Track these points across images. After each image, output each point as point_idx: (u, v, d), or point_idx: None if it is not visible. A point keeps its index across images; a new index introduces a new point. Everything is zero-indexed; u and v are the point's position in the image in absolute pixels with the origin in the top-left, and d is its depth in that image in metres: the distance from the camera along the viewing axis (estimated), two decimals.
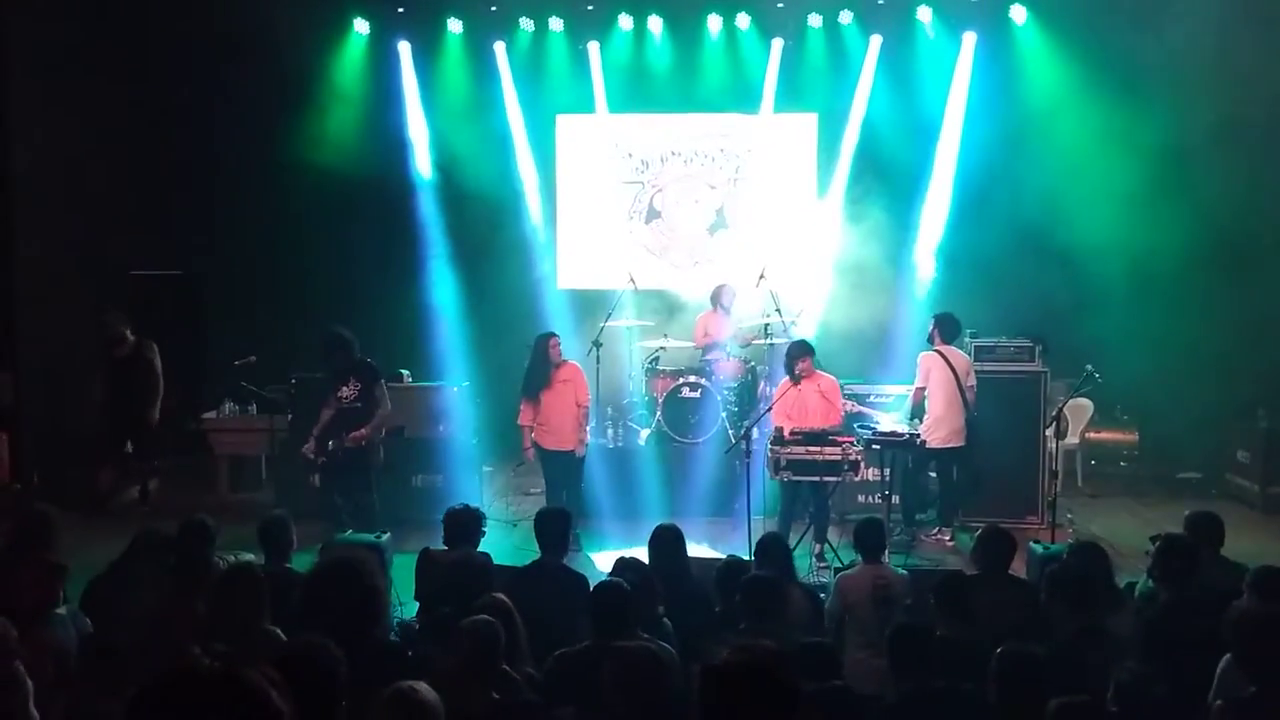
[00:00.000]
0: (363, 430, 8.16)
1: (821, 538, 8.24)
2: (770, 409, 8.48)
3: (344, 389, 8.27)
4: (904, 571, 6.16)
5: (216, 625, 4.47)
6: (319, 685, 2.73)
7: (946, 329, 8.99)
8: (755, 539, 7.64)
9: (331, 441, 8.21)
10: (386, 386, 8.49)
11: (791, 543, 6.91)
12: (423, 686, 3.25)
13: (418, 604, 5.83)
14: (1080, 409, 10.54)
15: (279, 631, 4.29)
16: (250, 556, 5.66)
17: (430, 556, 5.96)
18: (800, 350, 8.43)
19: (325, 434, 8.25)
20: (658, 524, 5.99)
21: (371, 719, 3.15)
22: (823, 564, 8.02)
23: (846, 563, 7.10)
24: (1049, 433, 9.03)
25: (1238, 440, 10.61)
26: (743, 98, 11.97)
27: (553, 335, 8.95)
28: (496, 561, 5.93)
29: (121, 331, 9.98)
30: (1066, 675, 4.07)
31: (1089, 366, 8.83)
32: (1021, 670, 3.88)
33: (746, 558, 6.16)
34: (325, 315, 10.75)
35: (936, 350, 8.92)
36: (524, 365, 8.92)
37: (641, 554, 5.73)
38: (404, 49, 12.03)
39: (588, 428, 9.03)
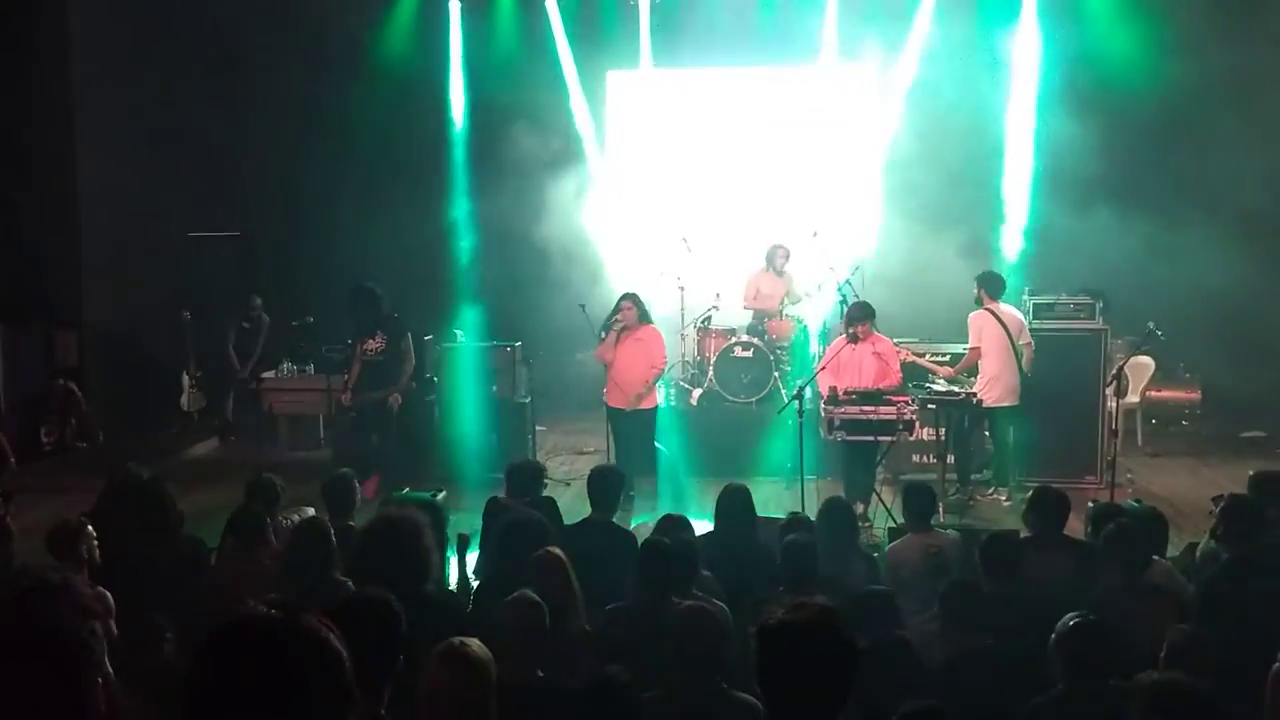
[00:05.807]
0: (395, 393, 8.68)
1: (866, 499, 8.19)
2: (822, 369, 8.42)
3: (370, 342, 8.69)
4: (954, 533, 6.07)
5: (287, 579, 4.58)
6: (378, 636, 2.77)
7: (991, 287, 8.84)
8: (808, 500, 7.68)
9: (356, 395, 8.74)
10: (431, 345, 8.62)
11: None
12: (473, 642, 3.24)
13: (478, 553, 5.87)
14: (1141, 367, 10.33)
15: (349, 582, 4.36)
16: (311, 512, 5.76)
17: (500, 504, 6.02)
18: (860, 313, 8.38)
19: (357, 385, 8.78)
20: (725, 484, 5.88)
21: (424, 674, 3.17)
22: (866, 524, 7.83)
23: (895, 525, 7.00)
24: (1109, 391, 8.87)
25: None
26: (797, 48, 11.72)
27: (626, 298, 9.00)
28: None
29: (255, 300, 11.47)
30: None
31: (1151, 324, 8.64)
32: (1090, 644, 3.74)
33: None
34: (380, 276, 10.81)
35: (986, 309, 8.80)
36: (576, 325, 8.95)
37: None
38: (454, 8, 12.00)
39: (653, 390, 9.03)
